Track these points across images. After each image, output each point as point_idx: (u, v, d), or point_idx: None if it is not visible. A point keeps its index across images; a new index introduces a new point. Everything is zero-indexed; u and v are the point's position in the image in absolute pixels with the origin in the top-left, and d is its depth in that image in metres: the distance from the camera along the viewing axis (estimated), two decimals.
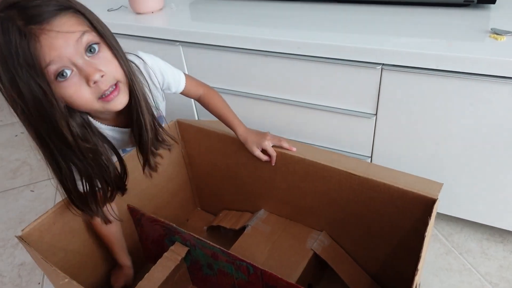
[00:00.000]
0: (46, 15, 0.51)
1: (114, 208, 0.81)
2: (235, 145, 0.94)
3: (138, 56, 0.74)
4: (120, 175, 0.75)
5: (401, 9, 1.08)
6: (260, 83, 1.13)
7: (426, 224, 0.67)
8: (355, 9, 1.12)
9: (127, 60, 0.64)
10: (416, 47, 0.86)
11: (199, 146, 1.04)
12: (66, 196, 0.70)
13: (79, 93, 0.56)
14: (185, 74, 0.85)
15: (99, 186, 0.71)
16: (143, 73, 0.73)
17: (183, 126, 1.02)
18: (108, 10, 1.34)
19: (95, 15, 0.59)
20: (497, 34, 0.85)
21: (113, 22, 1.24)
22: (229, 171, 1.02)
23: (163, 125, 0.78)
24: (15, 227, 1.30)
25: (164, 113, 0.88)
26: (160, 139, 0.75)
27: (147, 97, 0.69)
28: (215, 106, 0.89)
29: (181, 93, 0.86)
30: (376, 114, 0.99)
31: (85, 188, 0.69)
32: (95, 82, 0.56)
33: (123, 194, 0.78)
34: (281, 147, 0.88)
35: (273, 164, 0.90)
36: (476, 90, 0.84)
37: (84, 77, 0.55)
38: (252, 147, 0.88)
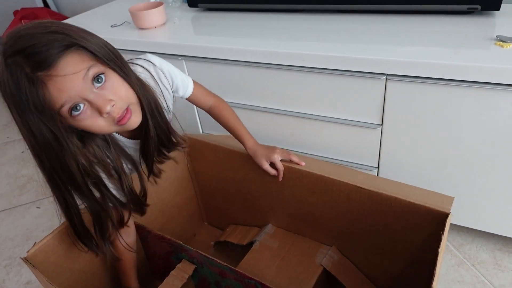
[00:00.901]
0: (51, 60, 0.52)
1: (131, 233, 0.81)
2: (242, 160, 0.93)
3: (146, 60, 0.74)
4: (138, 194, 0.75)
5: (404, 18, 1.07)
6: (264, 96, 1.12)
7: (438, 239, 0.65)
8: (357, 19, 1.11)
9: (136, 78, 0.65)
10: (420, 56, 0.85)
11: (205, 161, 1.03)
12: (73, 233, 0.70)
13: (95, 124, 0.58)
14: (194, 81, 0.84)
15: (110, 215, 0.71)
16: (154, 76, 0.73)
17: (189, 141, 1.01)
18: (111, 26, 1.35)
19: (97, 42, 0.59)
20: (503, 41, 0.84)
21: (116, 38, 1.25)
22: (236, 185, 1.01)
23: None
24: (22, 245, 1.30)
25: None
26: (174, 141, 0.75)
27: (159, 102, 0.69)
28: (226, 118, 0.88)
29: (190, 99, 0.85)
30: (381, 125, 0.98)
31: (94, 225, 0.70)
32: (107, 113, 0.57)
33: (142, 214, 0.78)
34: (290, 161, 0.87)
35: (280, 179, 0.89)
36: (484, 99, 0.82)
37: (96, 110, 0.57)
38: (261, 160, 0.88)
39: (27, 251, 0.73)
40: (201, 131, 1.34)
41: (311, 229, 0.96)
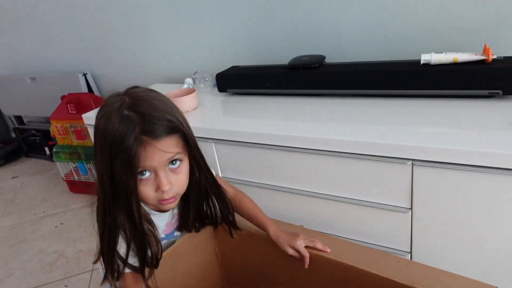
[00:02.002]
0: (158, 133, 0.61)
1: None
2: (269, 245, 0.91)
3: None
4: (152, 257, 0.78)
5: (426, 101, 1.09)
6: (290, 177, 1.14)
7: None
8: (380, 103, 1.15)
9: (205, 168, 0.75)
10: (444, 142, 0.86)
11: (232, 245, 1.02)
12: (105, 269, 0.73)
13: (146, 192, 0.66)
14: (216, 174, 0.88)
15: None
16: None
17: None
18: None
19: (191, 133, 0.68)
20: None
21: None
22: (263, 271, 0.98)
23: None
24: None
25: None
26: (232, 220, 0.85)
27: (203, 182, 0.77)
28: (247, 207, 0.91)
29: None
30: (411, 208, 0.96)
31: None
32: (162, 192, 0.65)
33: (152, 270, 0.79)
34: (315, 248, 0.85)
35: (306, 266, 0.86)
36: None
37: (156, 184, 0.65)
38: (284, 246, 0.86)
39: None
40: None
41: None
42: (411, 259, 1.03)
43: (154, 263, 0.78)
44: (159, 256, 0.78)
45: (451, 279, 0.72)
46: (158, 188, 0.65)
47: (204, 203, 0.81)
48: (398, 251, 1.04)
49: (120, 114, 0.61)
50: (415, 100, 1.12)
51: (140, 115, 0.61)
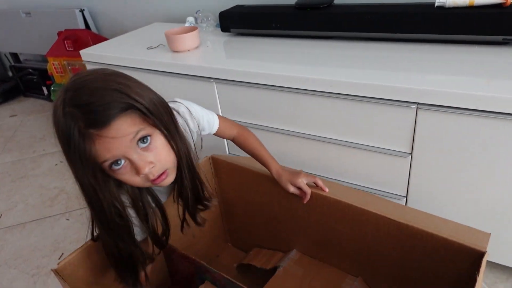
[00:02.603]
0: (105, 121, 0.54)
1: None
2: (269, 183, 0.93)
3: (176, 102, 0.77)
4: (162, 232, 0.78)
5: (436, 47, 1.06)
6: (291, 119, 1.13)
7: (472, 278, 0.62)
8: (387, 47, 1.12)
9: (180, 137, 0.66)
10: (452, 86, 0.84)
11: (232, 182, 1.04)
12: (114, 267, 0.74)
13: (131, 180, 0.62)
14: (218, 115, 0.87)
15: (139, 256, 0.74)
16: (189, 123, 0.76)
17: (217, 162, 1.03)
18: (147, 48, 1.41)
19: (151, 100, 0.60)
20: None
21: (151, 59, 1.30)
22: (262, 208, 1.01)
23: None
24: (49, 255, 1.33)
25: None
26: (202, 195, 0.77)
27: (191, 151, 0.71)
28: (250, 145, 0.90)
29: (216, 134, 0.88)
30: (411, 153, 0.96)
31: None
32: (145, 174, 0.60)
33: (162, 248, 0.80)
34: (315, 185, 0.87)
35: (305, 202, 0.88)
36: None
37: (135, 170, 0.60)
38: (286, 184, 0.88)
39: (58, 263, 0.75)
40: (227, 153, 1.36)
41: (337, 258, 0.94)
42: (406, 203, 1.06)
43: (167, 234, 0.78)
44: (168, 233, 0.79)
45: (446, 223, 0.74)
46: (137, 173, 0.60)
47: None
48: (394, 195, 1.06)
49: (63, 112, 0.55)
50: (426, 45, 1.08)
51: (81, 108, 0.54)
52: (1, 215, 1.58)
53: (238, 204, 1.07)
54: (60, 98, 0.57)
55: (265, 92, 1.13)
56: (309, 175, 0.88)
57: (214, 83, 1.21)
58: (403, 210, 0.79)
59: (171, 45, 1.34)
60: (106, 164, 0.58)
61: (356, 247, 0.87)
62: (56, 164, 1.87)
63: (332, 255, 0.94)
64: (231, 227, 1.15)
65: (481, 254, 0.65)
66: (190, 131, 0.77)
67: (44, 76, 2.46)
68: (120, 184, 0.65)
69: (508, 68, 0.89)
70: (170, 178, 0.66)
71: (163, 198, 0.80)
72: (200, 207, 0.80)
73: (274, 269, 0.98)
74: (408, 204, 1.05)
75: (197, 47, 1.36)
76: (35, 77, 2.56)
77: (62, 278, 0.72)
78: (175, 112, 0.73)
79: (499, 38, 0.98)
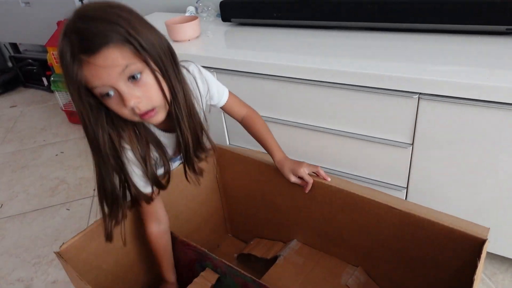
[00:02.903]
0: (95, 48, 0.56)
1: (162, 222, 0.84)
2: (271, 173, 0.93)
3: (189, 62, 0.78)
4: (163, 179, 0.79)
5: (439, 37, 1.05)
6: (292, 110, 1.13)
7: (473, 267, 0.62)
8: (389, 37, 1.11)
9: (179, 82, 0.67)
10: (455, 76, 0.83)
11: (234, 172, 1.04)
12: (101, 202, 0.73)
13: (120, 111, 0.63)
14: (230, 92, 0.87)
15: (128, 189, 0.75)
16: (198, 82, 0.77)
17: (218, 151, 1.02)
18: None
19: (149, 39, 0.61)
20: None
21: None
22: (263, 198, 1.01)
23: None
24: (50, 245, 1.34)
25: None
26: (201, 146, 0.78)
27: (194, 106, 0.72)
28: (258, 130, 0.89)
29: (224, 108, 0.88)
30: (412, 144, 0.96)
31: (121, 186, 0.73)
32: (131, 107, 0.61)
33: (163, 189, 0.80)
34: (317, 174, 0.87)
35: (307, 191, 0.88)
36: None
37: (122, 101, 0.61)
38: (288, 173, 0.87)
39: (60, 246, 0.75)
40: (228, 143, 1.35)
41: (338, 248, 0.94)
42: (406, 195, 1.06)
43: (167, 178, 0.78)
44: (169, 175, 0.79)
45: (445, 216, 0.73)
46: (124, 104, 0.61)
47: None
48: (394, 186, 1.06)
49: (63, 36, 0.57)
50: (428, 35, 1.08)
51: (79, 33, 0.56)
52: (2, 205, 1.58)
53: (239, 193, 1.07)
54: (66, 22, 0.59)
55: (265, 82, 1.12)
56: (311, 165, 0.88)
57: (215, 72, 1.21)
58: (404, 203, 0.79)
59: (171, 35, 1.33)
60: (97, 91, 0.60)
61: (357, 236, 0.87)
62: (56, 155, 1.87)
63: (332, 245, 0.95)
64: (232, 217, 1.16)
65: (482, 242, 0.65)
66: (198, 88, 0.77)
67: (44, 67, 2.44)
68: (125, 121, 0.67)
69: (511, 58, 0.88)
70: (159, 116, 0.66)
71: (169, 151, 0.80)
72: (199, 154, 0.79)
73: (275, 258, 0.98)
74: (409, 195, 1.05)
75: (197, 37, 1.35)
76: (35, 67, 2.55)
77: (65, 261, 0.72)
78: (184, 70, 0.75)
79: (503, 28, 0.98)
